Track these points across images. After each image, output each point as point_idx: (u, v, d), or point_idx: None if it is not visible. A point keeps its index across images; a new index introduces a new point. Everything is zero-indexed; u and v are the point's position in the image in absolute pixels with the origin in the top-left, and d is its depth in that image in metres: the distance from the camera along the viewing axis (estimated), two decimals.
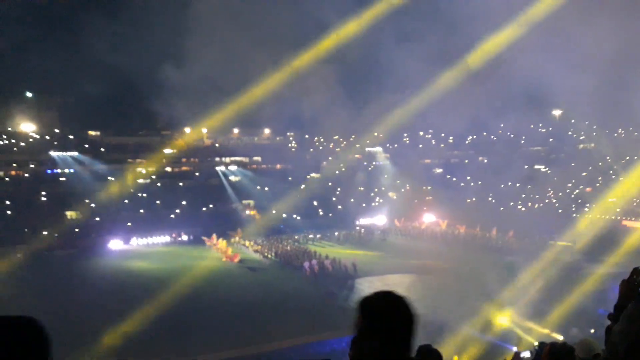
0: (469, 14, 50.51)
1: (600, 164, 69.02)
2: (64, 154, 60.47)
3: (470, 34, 53.09)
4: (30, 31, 57.17)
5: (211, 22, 61.48)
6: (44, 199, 55.24)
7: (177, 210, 58.34)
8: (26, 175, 58.39)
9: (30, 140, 60.64)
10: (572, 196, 66.01)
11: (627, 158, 69.80)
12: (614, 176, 67.28)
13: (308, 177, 70.26)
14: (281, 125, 72.65)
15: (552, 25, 48.49)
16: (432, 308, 29.36)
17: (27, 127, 60.37)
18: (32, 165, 59.60)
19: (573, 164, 65.43)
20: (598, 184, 66.95)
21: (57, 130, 61.92)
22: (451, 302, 30.62)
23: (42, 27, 59.90)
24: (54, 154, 60.23)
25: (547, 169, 70.08)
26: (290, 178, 68.60)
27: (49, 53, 59.61)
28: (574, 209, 60.09)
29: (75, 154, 60.79)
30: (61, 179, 58.49)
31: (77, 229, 51.51)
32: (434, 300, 30.92)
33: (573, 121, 73.47)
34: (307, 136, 74.87)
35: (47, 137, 61.57)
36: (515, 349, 21.73)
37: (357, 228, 58.71)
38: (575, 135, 75.29)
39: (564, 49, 50.18)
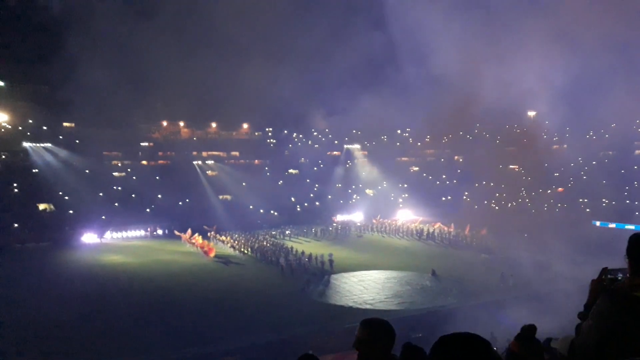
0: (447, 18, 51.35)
1: (572, 165, 70.53)
2: (38, 145, 59.28)
3: (445, 35, 53.86)
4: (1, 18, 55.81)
5: (189, 18, 61.17)
6: (16, 190, 54.10)
7: (153, 205, 57.76)
8: None
9: (3, 130, 59.23)
10: (545, 196, 67.39)
11: (598, 160, 71.60)
12: (585, 177, 68.87)
13: (286, 173, 70.35)
14: (260, 120, 72.50)
15: (527, 27, 49.60)
16: (408, 304, 29.88)
17: None
18: (3, 157, 58.29)
19: (546, 165, 66.78)
20: (570, 185, 68.50)
21: (30, 121, 60.57)
22: (428, 298, 31.19)
23: (15, 14, 58.50)
24: (27, 145, 59.00)
25: (520, 169, 71.32)
26: (268, 173, 68.56)
27: (22, 41, 58.37)
28: (546, 209, 61.33)
29: (49, 145, 59.63)
30: (34, 170, 57.34)
31: (50, 222, 50.67)
32: (410, 296, 31.47)
33: (547, 122, 74.90)
34: (285, 132, 74.81)
35: (20, 128, 60.23)
36: None
37: (334, 224, 58.97)
38: (548, 137, 76.73)
39: (538, 52, 51.22)
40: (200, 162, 68.19)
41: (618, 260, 2.68)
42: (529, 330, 4.32)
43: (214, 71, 59.40)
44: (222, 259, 42.23)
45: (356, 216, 62.72)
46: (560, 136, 78.08)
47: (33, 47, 56.58)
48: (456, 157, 78.33)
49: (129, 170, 62.76)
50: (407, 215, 62.51)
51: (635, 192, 65.09)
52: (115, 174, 61.75)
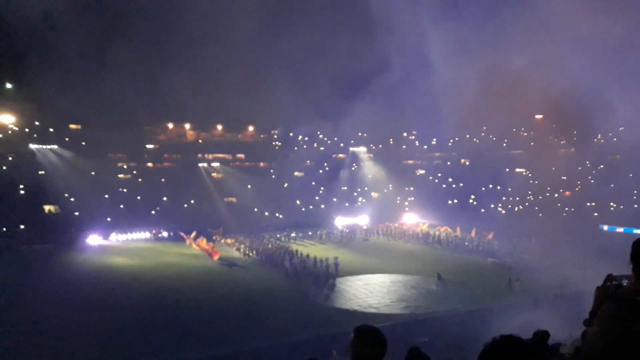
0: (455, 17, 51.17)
1: (579, 168, 70.04)
2: (44, 147, 59.52)
3: (456, 36, 53.67)
4: (10, 21, 56.05)
5: (195, 18, 61.27)
6: (22, 192, 54.31)
7: (158, 207, 57.81)
8: (4, 168, 57.34)
9: (9, 132, 59.55)
10: (552, 200, 66.93)
11: (606, 164, 71.02)
12: (592, 181, 68.35)
13: (292, 175, 70.27)
14: (265, 122, 72.46)
15: (535, 24, 49.37)
16: (414, 308, 29.66)
17: (6, 118, 59.28)
18: (10, 158, 58.55)
19: (553, 168, 66.35)
20: (577, 189, 68.01)
21: (37, 123, 60.85)
22: (433, 302, 30.96)
23: (22, 17, 58.76)
24: (33, 146, 59.27)
25: (527, 172, 70.93)
26: (273, 176, 68.49)
27: (30, 43, 58.67)
28: (553, 213, 60.89)
29: (55, 147, 59.87)
30: (40, 172, 57.55)
31: (55, 223, 50.79)
32: (415, 301, 31.24)
33: (554, 125, 74.44)
34: (291, 134, 74.76)
35: (27, 130, 60.52)
36: None
37: (339, 227, 58.81)
38: (555, 140, 76.23)
39: (545, 54, 50.92)
40: (205, 165, 68.23)
41: (626, 265, 2.62)
42: (541, 336, 4.19)
43: (220, 73, 59.44)
44: (227, 261, 42.19)
45: (362, 219, 62.54)
46: (567, 139, 77.61)
47: (39, 49, 56.79)
48: (462, 161, 78.03)
49: (134, 172, 62.87)
50: (413, 219, 62.32)
51: None
52: (121, 175, 61.87)
